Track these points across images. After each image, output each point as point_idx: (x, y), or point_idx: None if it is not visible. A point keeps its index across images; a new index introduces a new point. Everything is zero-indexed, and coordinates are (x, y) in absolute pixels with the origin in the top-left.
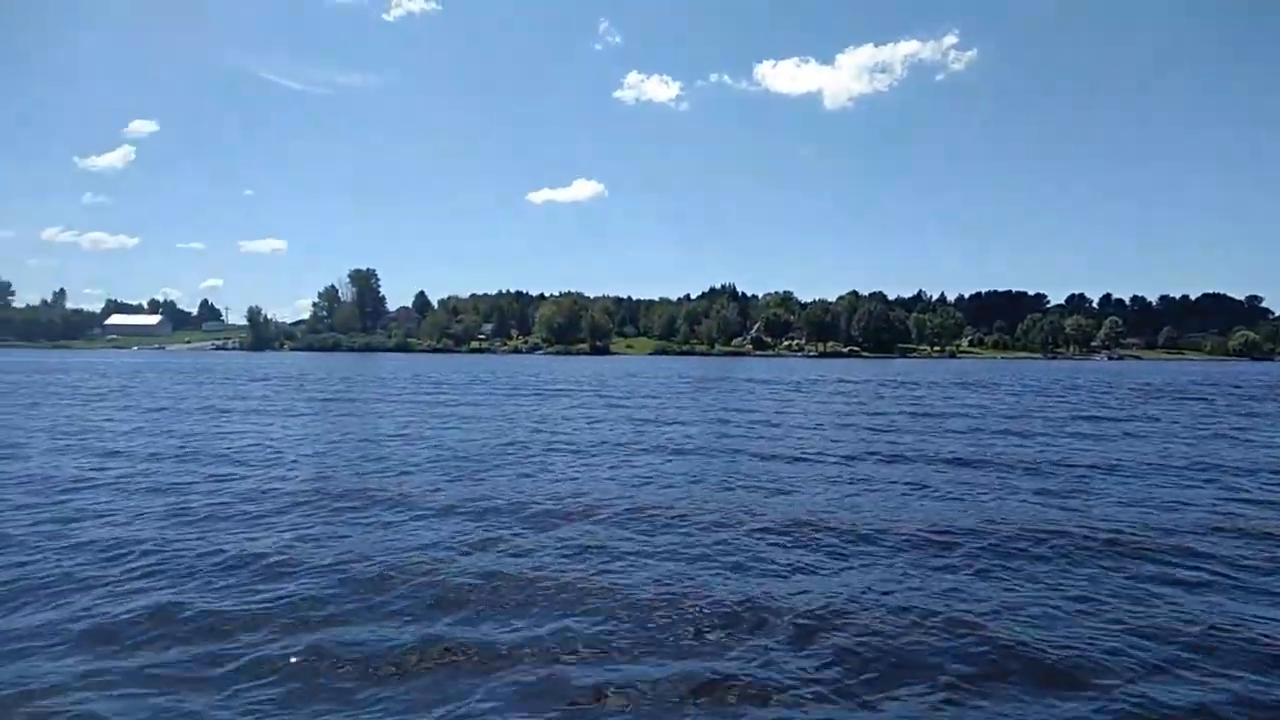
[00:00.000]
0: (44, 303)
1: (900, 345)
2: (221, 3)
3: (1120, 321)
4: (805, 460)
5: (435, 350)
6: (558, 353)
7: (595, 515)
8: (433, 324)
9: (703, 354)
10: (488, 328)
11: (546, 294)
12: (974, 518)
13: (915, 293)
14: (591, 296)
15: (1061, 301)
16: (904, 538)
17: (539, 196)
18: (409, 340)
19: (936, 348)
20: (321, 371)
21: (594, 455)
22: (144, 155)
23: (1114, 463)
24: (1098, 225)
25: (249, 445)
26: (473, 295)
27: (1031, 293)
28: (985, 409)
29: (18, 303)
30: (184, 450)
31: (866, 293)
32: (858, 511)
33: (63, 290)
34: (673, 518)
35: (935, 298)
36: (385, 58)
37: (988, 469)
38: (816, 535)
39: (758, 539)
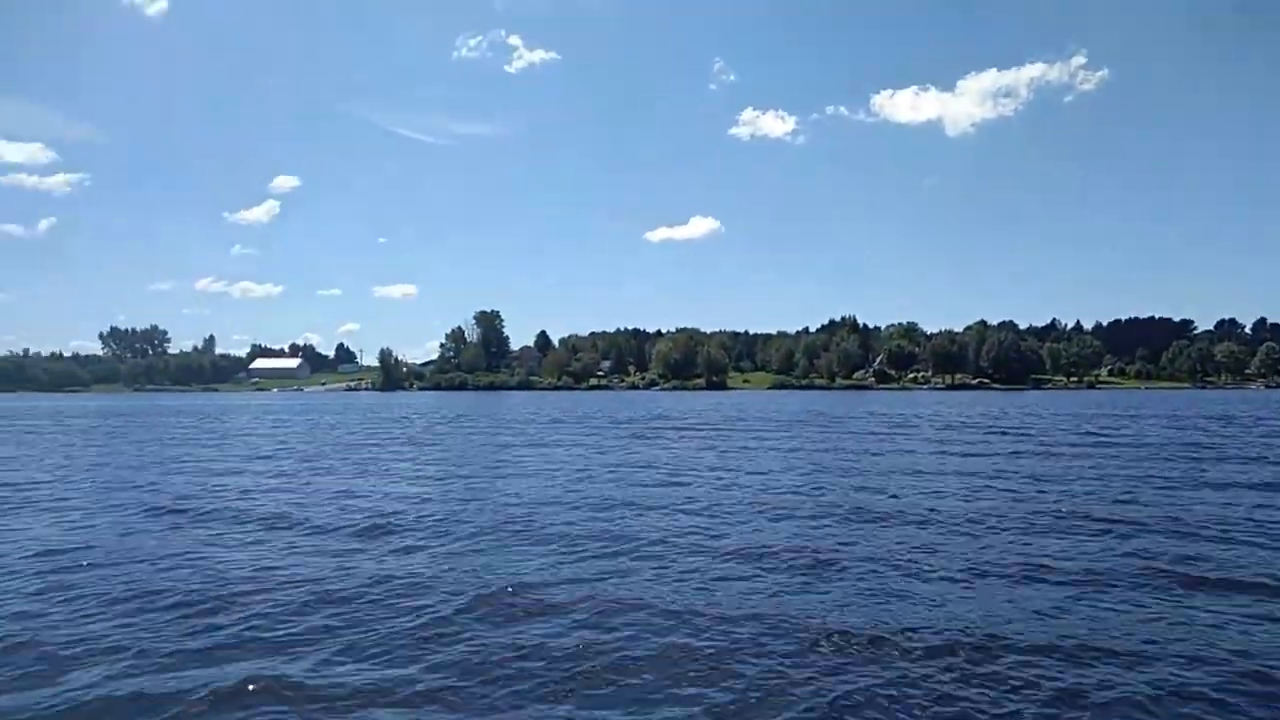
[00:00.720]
0: (195, 349)
1: (1033, 376)
2: (356, 64)
3: (1277, 347)
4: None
5: (556, 388)
6: (674, 388)
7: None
8: (553, 362)
9: (823, 388)
10: (606, 365)
11: (663, 330)
12: None
13: (1049, 321)
14: (708, 332)
15: (1210, 327)
16: None
17: (657, 235)
18: (531, 378)
19: (1073, 378)
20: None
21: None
22: (287, 208)
23: None
24: (1247, 246)
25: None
26: (592, 334)
27: (1176, 319)
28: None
29: (172, 349)
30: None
31: (995, 322)
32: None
33: (212, 337)
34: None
35: (1070, 326)
36: (508, 107)
37: None
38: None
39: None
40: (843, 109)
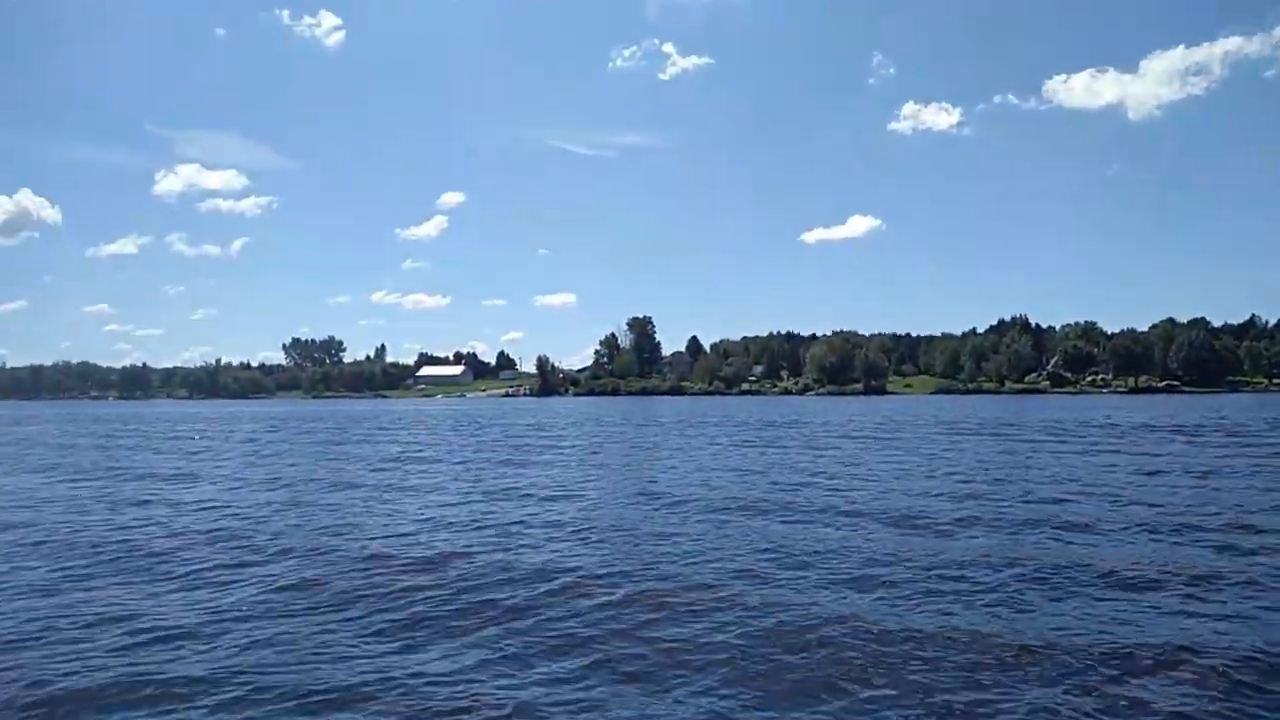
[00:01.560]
0: (368, 357)
1: (1229, 378)
2: (516, 81)
3: None
4: None
5: (707, 393)
6: (830, 393)
7: None
8: (704, 367)
9: (991, 392)
10: (758, 369)
11: (818, 334)
12: None
13: (1247, 318)
14: (866, 334)
15: None
16: None
17: (812, 236)
18: (682, 383)
19: (1276, 380)
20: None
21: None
22: (454, 223)
23: None
24: None
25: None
26: (744, 338)
27: None
28: None
29: (347, 358)
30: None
31: (1184, 319)
32: None
33: (383, 346)
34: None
35: (1272, 323)
36: (663, 115)
37: None
38: None
39: None
40: (1011, 97)
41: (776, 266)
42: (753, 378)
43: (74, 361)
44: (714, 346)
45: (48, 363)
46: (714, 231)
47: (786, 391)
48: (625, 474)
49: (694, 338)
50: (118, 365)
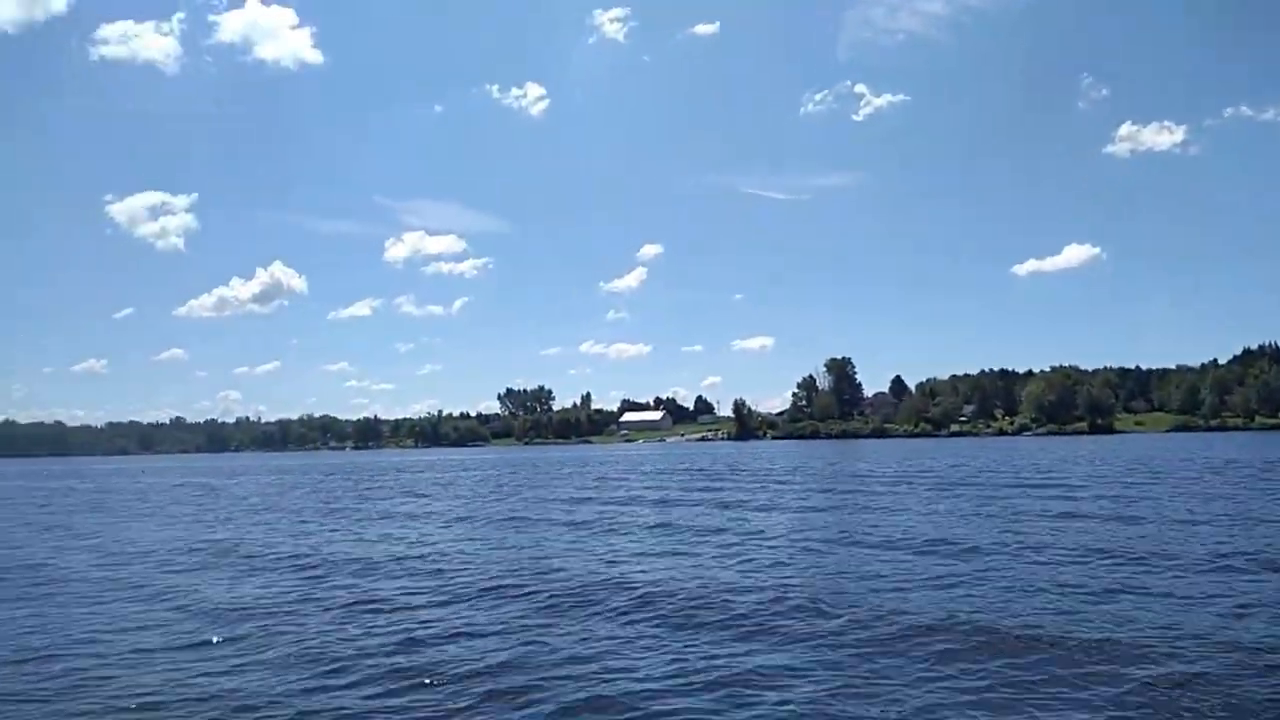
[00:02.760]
0: (574, 405)
1: None
2: (712, 133)
3: None
4: None
5: (913, 435)
6: (1049, 433)
7: None
8: (910, 408)
9: (1238, 428)
10: (969, 409)
11: (1034, 370)
12: None
13: None
14: (1088, 369)
15: None
16: None
17: (1024, 268)
18: (886, 425)
19: None
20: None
21: None
22: (653, 274)
23: None
24: None
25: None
26: (952, 376)
27: None
28: None
29: (556, 406)
30: None
31: None
32: None
33: (589, 394)
34: None
35: None
36: (858, 156)
37: None
38: None
39: None
40: (1244, 109)
41: (985, 302)
42: (963, 418)
43: (316, 415)
44: (919, 386)
45: (294, 416)
46: (916, 269)
47: (1001, 432)
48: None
49: (898, 377)
50: (353, 417)
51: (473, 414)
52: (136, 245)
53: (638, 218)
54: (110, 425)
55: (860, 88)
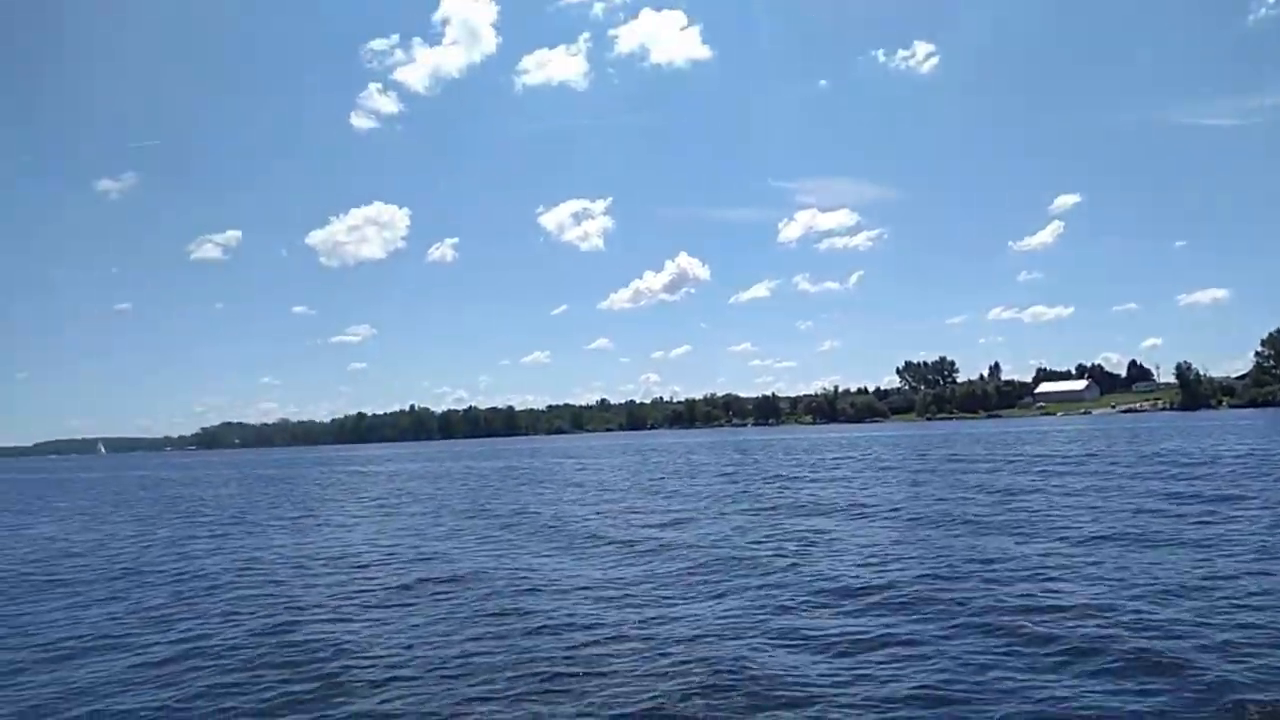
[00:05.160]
0: (981, 377)
1: None
2: (1131, 60)
3: None
4: None
5: None
6: None
7: None
8: None
9: None
10: None
11: None
12: None
13: None
14: None
15: None
16: None
17: None
18: None
19: None
20: None
21: None
22: (1071, 227)
23: None
24: None
25: None
26: None
27: None
28: None
29: (960, 378)
30: None
31: None
32: None
33: (997, 364)
34: None
35: None
36: None
37: None
38: None
39: None
40: None
41: None
42: None
43: (719, 395)
44: None
45: (703, 395)
46: None
47: None
48: None
49: None
50: (755, 395)
51: (872, 389)
52: (564, 249)
53: (1047, 167)
54: (549, 408)
55: None
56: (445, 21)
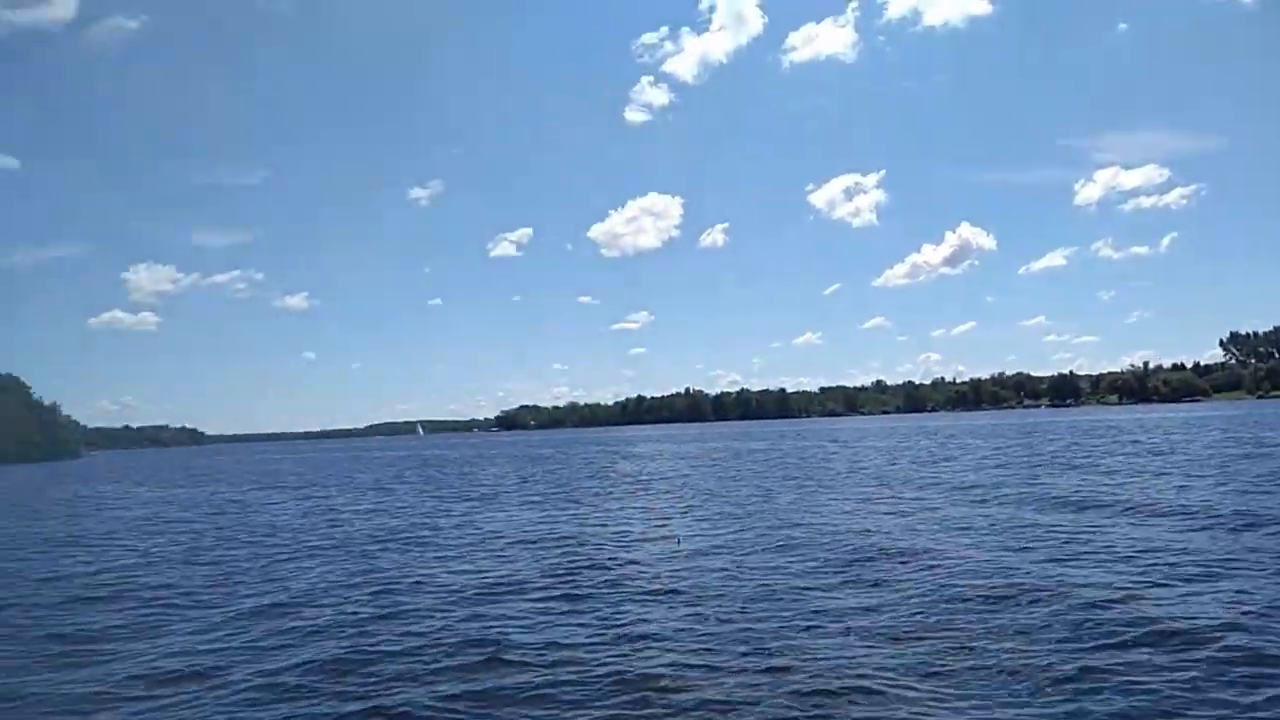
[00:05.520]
0: None
1: None
2: None
3: None
4: None
5: None
6: None
7: None
8: None
9: None
10: None
11: None
12: None
13: None
14: None
15: None
16: None
17: None
18: None
19: None
20: None
21: None
22: None
23: None
24: None
25: None
26: None
27: None
28: None
29: None
30: None
31: None
32: None
33: None
34: None
35: None
36: None
37: None
38: None
39: None
40: None
41: None
42: None
43: (1009, 374)
44: None
45: (991, 375)
46: None
47: None
48: None
49: None
50: (1050, 374)
51: (1189, 364)
52: (835, 226)
53: None
54: (822, 390)
55: None
56: (712, 9)
